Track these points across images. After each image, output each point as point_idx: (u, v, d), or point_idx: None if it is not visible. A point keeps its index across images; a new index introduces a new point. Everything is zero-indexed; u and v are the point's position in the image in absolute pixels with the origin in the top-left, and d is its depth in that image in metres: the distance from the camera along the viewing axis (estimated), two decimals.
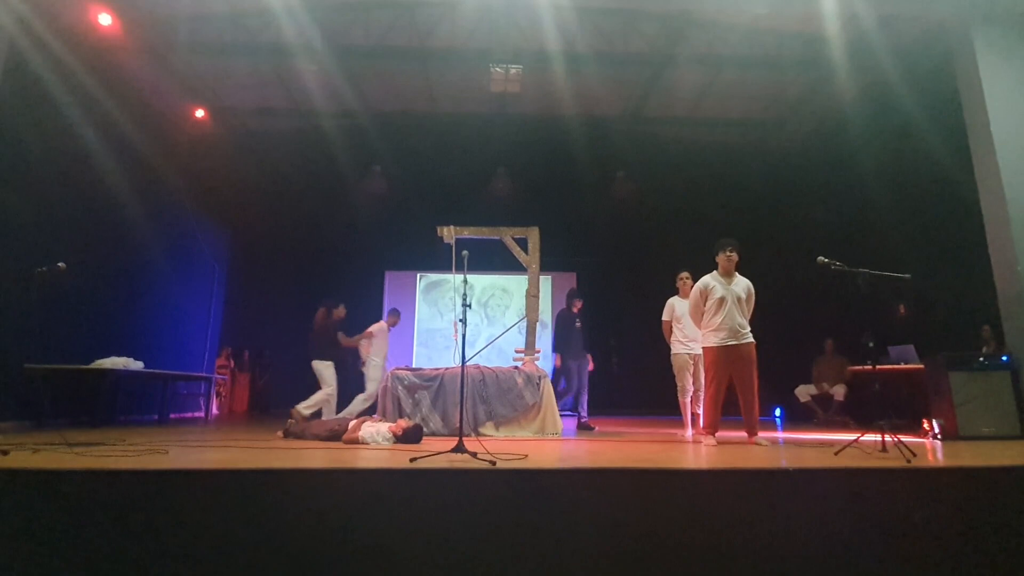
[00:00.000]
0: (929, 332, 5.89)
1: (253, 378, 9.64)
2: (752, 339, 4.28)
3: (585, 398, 6.07)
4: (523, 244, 5.99)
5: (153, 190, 7.34)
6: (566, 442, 4.49)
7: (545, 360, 9.70)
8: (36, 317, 5.33)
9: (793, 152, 8.97)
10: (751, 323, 4.38)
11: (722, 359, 4.26)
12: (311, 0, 6.04)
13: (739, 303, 4.30)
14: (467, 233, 5.88)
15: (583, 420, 6.00)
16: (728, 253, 4.36)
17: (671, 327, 5.28)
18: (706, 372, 4.41)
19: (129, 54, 6.53)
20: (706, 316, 4.41)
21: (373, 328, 6.20)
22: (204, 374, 8.39)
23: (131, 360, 6.02)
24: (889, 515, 2.47)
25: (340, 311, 6.18)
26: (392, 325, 6.35)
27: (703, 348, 4.45)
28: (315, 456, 3.22)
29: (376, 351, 6.12)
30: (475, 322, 10.01)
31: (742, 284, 4.38)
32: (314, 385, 5.89)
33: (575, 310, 6.35)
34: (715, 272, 4.45)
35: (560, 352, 6.18)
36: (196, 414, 8.12)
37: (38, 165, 5.58)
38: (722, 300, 4.30)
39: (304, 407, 5.55)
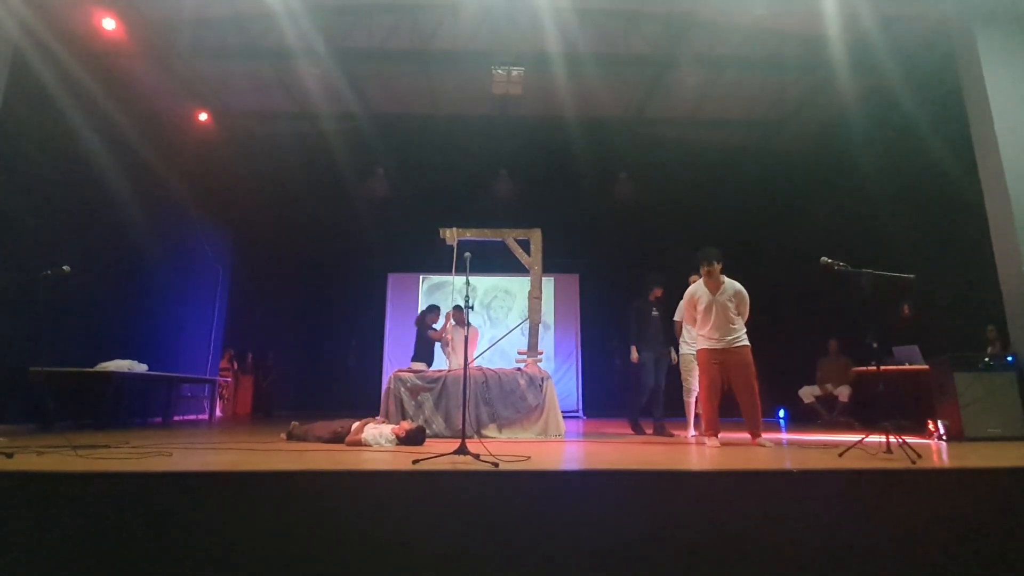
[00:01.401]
0: (934, 333, 5.87)
1: (256, 380, 9.66)
2: (746, 343, 4.30)
3: (661, 399, 5.51)
4: (525, 246, 5.99)
5: (156, 193, 7.37)
6: (569, 444, 4.48)
7: (548, 361, 9.71)
8: (41, 320, 5.35)
9: (795, 153, 8.95)
10: (749, 324, 4.41)
11: (714, 361, 4.33)
12: (313, 4, 6.07)
13: (725, 310, 4.34)
14: (469, 235, 5.88)
15: (657, 423, 5.45)
16: (706, 267, 4.39)
17: (681, 327, 5.36)
18: (699, 375, 4.47)
19: (132, 58, 6.57)
20: (697, 322, 4.51)
21: (441, 330, 6.35)
22: (208, 377, 8.42)
23: (135, 363, 6.05)
24: (894, 517, 2.46)
25: (434, 316, 6.41)
26: (458, 320, 6.33)
27: (696, 351, 4.55)
28: (318, 458, 3.22)
29: (455, 347, 6.27)
30: (478, 324, 10.00)
31: (729, 291, 4.40)
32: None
33: (652, 298, 5.71)
34: (701, 280, 4.52)
35: (635, 344, 5.54)
36: (200, 416, 8.14)
37: (43, 169, 5.61)
38: (708, 309, 4.39)
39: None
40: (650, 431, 5.44)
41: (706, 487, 2.59)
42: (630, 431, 5.60)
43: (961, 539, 2.42)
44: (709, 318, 4.37)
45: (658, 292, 5.73)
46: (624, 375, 10.00)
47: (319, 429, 4.32)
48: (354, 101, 7.82)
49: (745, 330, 4.38)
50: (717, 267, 4.38)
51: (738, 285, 4.44)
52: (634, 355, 5.50)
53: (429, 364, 6.18)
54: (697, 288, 4.51)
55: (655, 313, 5.63)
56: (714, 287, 4.40)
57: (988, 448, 3.76)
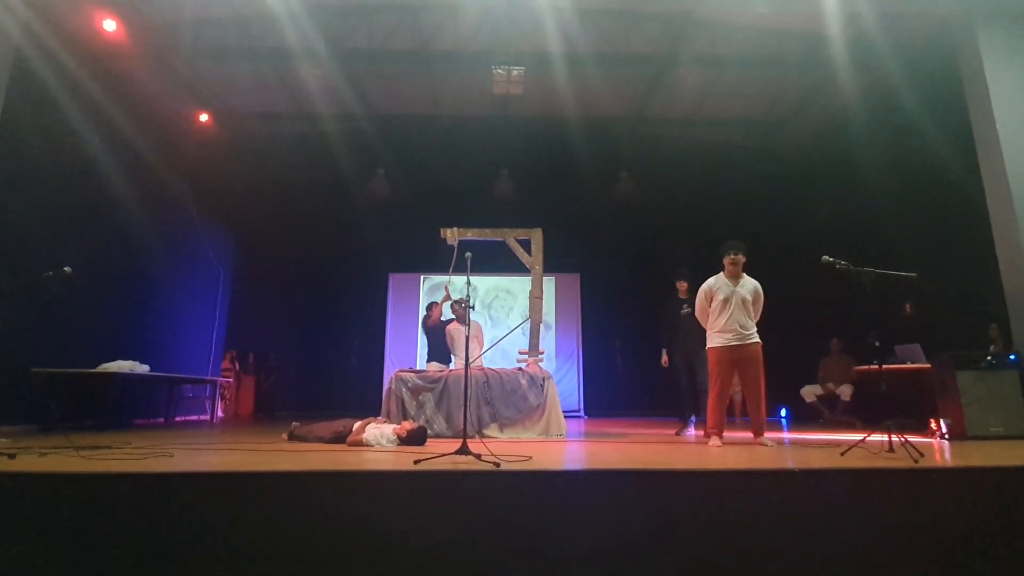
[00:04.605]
0: (936, 331, 5.85)
1: (258, 381, 9.67)
2: (758, 340, 4.27)
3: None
4: (526, 245, 5.98)
5: (158, 194, 7.38)
6: (570, 444, 4.48)
7: (549, 361, 9.70)
8: (43, 321, 5.36)
9: (796, 151, 8.94)
10: (759, 325, 4.37)
11: (726, 359, 4.26)
12: (314, 4, 6.07)
13: (744, 304, 4.28)
14: (470, 235, 5.88)
15: (686, 429, 5.13)
16: (732, 256, 4.35)
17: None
18: (710, 373, 4.40)
19: (133, 60, 6.58)
20: (711, 317, 4.41)
21: (451, 329, 6.24)
22: (209, 377, 8.43)
23: (137, 364, 6.06)
24: (896, 516, 2.45)
25: (436, 311, 6.31)
26: (459, 316, 6.19)
27: (708, 348, 4.44)
28: (320, 459, 3.22)
29: (460, 344, 6.15)
30: (479, 323, 10.01)
31: (748, 286, 4.36)
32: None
33: (680, 295, 5.52)
34: (721, 273, 4.44)
35: (666, 347, 5.40)
36: (201, 417, 8.16)
37: (44, 170, 5.62)
38: (726, 301, 4.30)
39: None
40: (702, 432, 4.86)
41: (708, 487, 2.58)
42: (631, 430, 5.59)
43: (964, 538, 2.42)
44: (727, 311, 4.29)
45: (682, 286, 5.55)
46: (626, 374, 10.04)
47: (320, 429, 4.32)
48: (355, 101, 7.82)
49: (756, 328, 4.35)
50: (742, 258, 4.35)
51: (757, 282, 4.41)
52: (664, 359, 5.44)
53: (447, 363, 6.15)
54: (716, 280, 4.43)
55: (686, 311, 5.38)
56: (735, 279, 4.36)
57: (991, 447, 3.75)
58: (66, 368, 5.45)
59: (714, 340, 4.35)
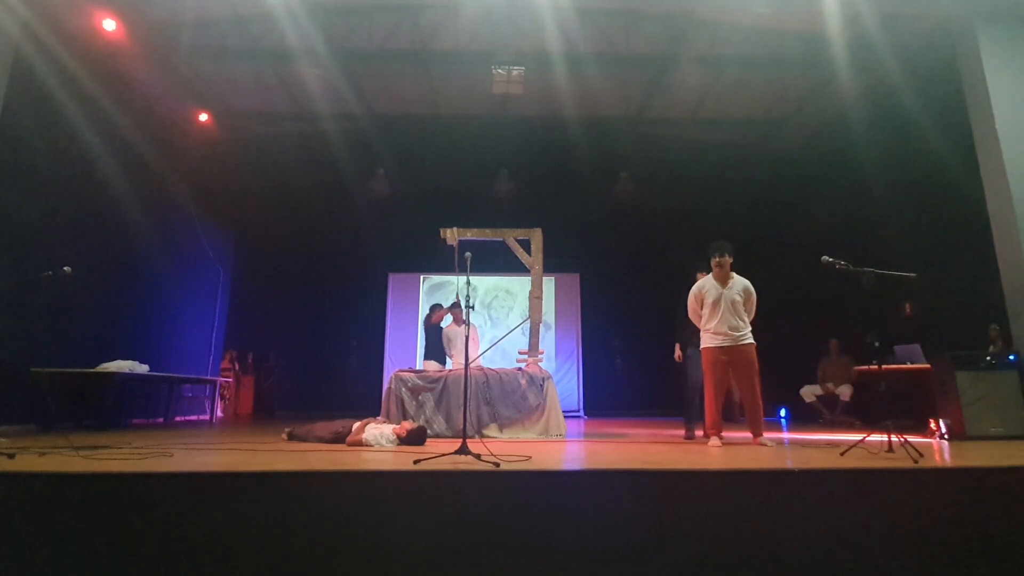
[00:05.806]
0: (935, 331, 5.86)
1: (257, 381, 9.67)
2: (751, 340, 4.27)
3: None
4: (526, 245, 5.98)
5: (158, 194, 7.38)
6: (570, 444, 4.47)
7: (549, 361, 9.71)
8: (42, 321, 5.35)
9: (796, 151, 8.94)
10: (754, 323, 4.37)
11: (719, 360, 4.28)
12: (313, 4, 6.07)
13: (734, 305, 4.29)
14: (470, 235, 5.88)
15: (690, 431, 4.82)
16: (718, 258, 4.35)
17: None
18: (705, 374, 4.41)
19: (133, 59, 6.57)
20: (703, 319, 4.44)
21: (448, 330, 6.41)
22: (209, 377, 8.43)
23: (136, 363, 6.06)
24: (896, 516, 2.45)
25: (440, 314, 6.49)
26: (457, 319, 6.35)
27: (701, 349, 4.45)
28: (319, 459, 3.22)
29: (457, 348, 6.31)
30: (478, 324, 10.01)
31: (738, 286, 4.36)
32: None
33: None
34: (710, 275, 4.46)
35: (679, 340, 5.11)
36: (201, 417, 8.15)
37: (44, 170, 5.62)
38: (716, 303, 4.32)
39: None
40: (700, 432, 4.70)
41: (707, 487, 2.58)
42: (631, 430, 5.58)
43: (963, 538, 2.42)
44: (717, 313, 4.30)
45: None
46: (626, 374, 10.04)
47: (320, 430, 4.32)
48: (355, 101, 7.82)
49: (750, 328, 4.35)
50: (728, 260, 4.34)
51: (748, 282, 4.40)
52: (677, 352, 5.16)
53: (443, 362, 6.19)
54: (705, 282, 4.45)
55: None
56: (723, 280, 4.37)
57: (990, 447, 3.75)
58: (65, 368, 5.44)
59: (706, 341, 4.38)
